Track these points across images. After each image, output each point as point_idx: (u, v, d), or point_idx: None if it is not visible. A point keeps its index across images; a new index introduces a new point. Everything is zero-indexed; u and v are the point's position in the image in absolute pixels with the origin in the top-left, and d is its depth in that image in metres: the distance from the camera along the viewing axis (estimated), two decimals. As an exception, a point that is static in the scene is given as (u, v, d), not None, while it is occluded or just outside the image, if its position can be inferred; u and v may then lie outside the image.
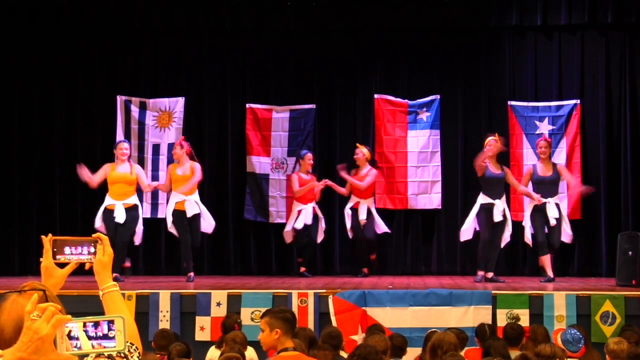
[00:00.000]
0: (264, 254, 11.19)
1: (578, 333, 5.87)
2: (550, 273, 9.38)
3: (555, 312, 7.77)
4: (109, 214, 9.47)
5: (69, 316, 1.81)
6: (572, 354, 5.71)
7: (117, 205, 9.47)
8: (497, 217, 9.38)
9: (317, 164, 11.05)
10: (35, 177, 11.10)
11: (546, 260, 9.46)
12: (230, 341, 6.10)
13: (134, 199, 9.61)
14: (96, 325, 1.85)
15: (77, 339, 1.83)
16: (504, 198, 9.55)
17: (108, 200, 9.54)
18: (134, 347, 2.38)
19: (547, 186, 9.57)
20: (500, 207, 9.40)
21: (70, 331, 1.82)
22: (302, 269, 10.38)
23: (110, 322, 1.85)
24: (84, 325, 1.84)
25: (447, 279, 10.00)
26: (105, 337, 1.85)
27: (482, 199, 9.48)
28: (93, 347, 1.84)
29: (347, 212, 10.35)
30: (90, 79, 11.25)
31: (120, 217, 9.42)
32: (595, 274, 10.57)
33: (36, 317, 1.78)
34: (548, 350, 5.18)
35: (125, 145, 9.75)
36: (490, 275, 9.41)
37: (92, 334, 1.84)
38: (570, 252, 10.81)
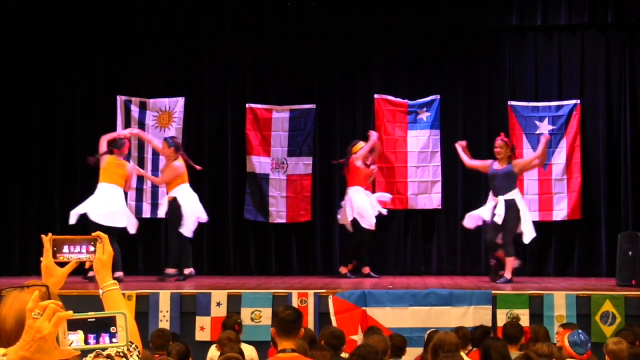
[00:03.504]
0: (263, 254, 11.19)
1: (585, 335, 5.86)
2: (508, 274, 9.25)
3: (555, 312, 7.77)
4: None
5: (70, 312, 1.82)
6: (578, 356, 5.70)
7: (164, 199, 9.92)
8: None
9: (317, 164, 11.06)
10: (35, 177, 11.10)
11: (510, 261, 9.32)
12: (225, 339, 6.11)
13: (174, 192, 9.57)
14: (98, 321, 1.85)
15: (93, 341, 1.84)
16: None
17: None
18: (133, 345, 2.38)
19: (499, 180, 9.40)
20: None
21: (73, 327, 1.82)
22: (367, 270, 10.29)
23: (112, 318, 1.86)
24: (86, 321, 1.84)
25: (447, 279, 10.00)
26: (108, 332, 1.85)
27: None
28: (96, 342, 1.84)
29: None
30: (90, 79, 11.26)
31: (162, 211, 9.86)
32: (595, 274, 10.57)
33: (37, 315, 1.78)
34: (545, 349, 5.17)
35: (163, 143, 9.79)
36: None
37: (95, 329, 1.84)
38: (570, 252, 10.82)
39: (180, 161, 9.60)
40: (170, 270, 9.55)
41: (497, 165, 9.49)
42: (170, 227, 9.72)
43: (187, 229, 9.51)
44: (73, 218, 9.26)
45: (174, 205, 9.55)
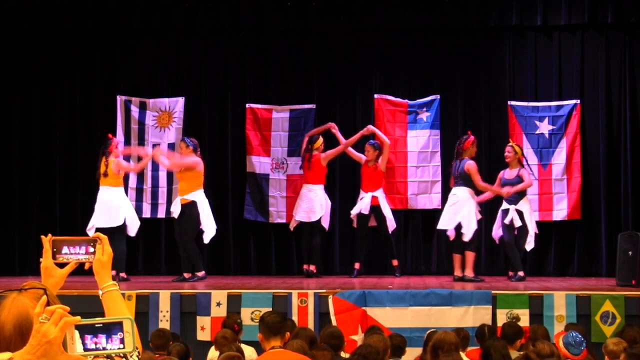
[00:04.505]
0: (263, 254, 11.19)
1: (580, 336, 5.86)
2: (467, 272, 9.67)
3: (555, 312, 7.77)
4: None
5: (78, 317, 1.82)
6: (574, 357, 5.70)
7: (176, 200, 9.76)
8: (516, 222, 9.62)
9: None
10: (35, 177, 11.10)
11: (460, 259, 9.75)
12: (220, 339, 6.12)
13: (192, 195, 9.61)
14: (105, 326, 1.85)
15: (92, 341, 1.84)
16: (521, 202, 9.67)
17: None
18: (133, 346, 2.38)
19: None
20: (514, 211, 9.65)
21: (80, 332, 1.82)
22: (357, 265, 10.37)
23: (119, 324, 1.86)
24: (94, 326, 1.84)
25: (447, 279, 9.99)
26: (114, 338, 1.85)
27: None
28: (105, 348, 1.84)
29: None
30: (90, 79, 11.25)
31: (175, 213, 9.67)
32: (595, 274, 10.57)
33: (44, 319, 1.78)
34: (547, 349, 5.17)
35: (181, 144, 9.90)
36: (521, 273, 9.65)
37: (105, 336, 1.84)
38: (570, 252, 10.82)
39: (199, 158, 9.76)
40: (200, 273, 9.67)
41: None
42: (184, 230, 9.67)
43: (208, 235, 9.74)
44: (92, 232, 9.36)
45: (192, 208, 9.57)
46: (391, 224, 10.30)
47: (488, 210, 10.29)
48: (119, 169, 9.62)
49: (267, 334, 4.65)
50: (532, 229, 9.70)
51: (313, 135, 10.53)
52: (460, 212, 9.68)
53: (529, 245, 9.67)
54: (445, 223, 9.80)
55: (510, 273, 9.74)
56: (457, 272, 9.71)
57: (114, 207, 9.56)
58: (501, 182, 9.80)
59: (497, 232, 9.91)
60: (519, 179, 9.71)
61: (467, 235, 9.65)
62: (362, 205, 10.20)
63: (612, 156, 10.84)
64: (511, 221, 9.60)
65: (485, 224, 10.20)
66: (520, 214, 9.62)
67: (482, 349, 5.84)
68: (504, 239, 9.75)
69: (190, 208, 9.57)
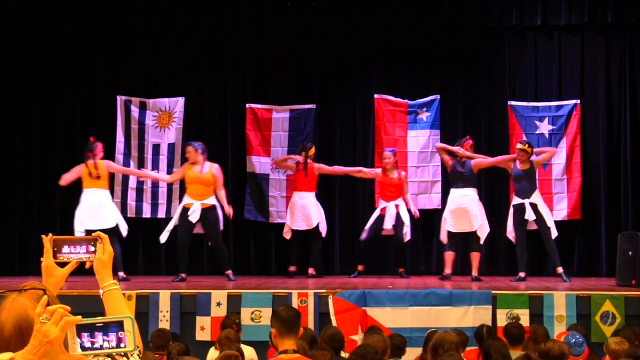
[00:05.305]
0: (264, 254, 11.19)
1: (581, 336, 5.86)
2: (474, 272, 9.81)
3: (555, 312, 7.77)
4: (185, 212, 9.65)
5: (79, 317, 1.82)
6: (575, 358, 5.70)
7: (195, 205, 9.63)
8: (530, 216, 9.64)
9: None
10: (35, 177, 11.11)
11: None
12: (224, 339, 6.12)
13: (212, 200, 9.71)
14: (105, 325, 1.85)
15: (88, 339, 1.84)
16: (534, 195, 9.70)
17: (186, 199, 9.79)
18: (133, 346, 2.38)
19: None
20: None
21: (81, 331, 1.83)
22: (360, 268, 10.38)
23: (119, 323, 1.86)
24: (94, 325, 1.84)
25: (447, 279, 10.01)
26: (115, 337, 1.85)
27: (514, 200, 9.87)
28: (103, 347, 1.84)
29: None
30: (90, 79, 11.26)
31: (194, 216, 9.58)
32: (595, 274, 10.57)
33: (45, 319, 1.78)
34: (556, 349, 5.14)
35: (189, 148, 9.80)
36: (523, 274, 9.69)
37: (102, 334, 1.84)
38: (570, 252, 10.82)
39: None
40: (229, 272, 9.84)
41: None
42: (216, 233, 9.78)
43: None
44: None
45: (214, 211, 9.72)
46: (408, 232, 10.23)
47: (497, 210, 10.34)
48: (111, 170, 9.81)
49: (281, 329, 4.34)
50: (550, 219, 9.76)
51: (308, 143, 10.52)
52: (479, 214, 9.81)
53: (554, 233, 9.70)
54: (474, 225, 9.80)
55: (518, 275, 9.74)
56: (448, 270, 9.75)
57: (105, 209, 9.57)
58: (512, 174, 9.83)
59: (512, 231, 9.89)
60: (532, 168, 9.72)
61: (483, 238, 9.85)
62: (389, 217, 10.11)
63: (612, 156, 10.84)
64: (529, 216, 9.63)
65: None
66: (534, 206, 9.62)
67: (481, 349, 5.84)
68: (517, 237, 9.76)
69: (212, 211, 9.69)
